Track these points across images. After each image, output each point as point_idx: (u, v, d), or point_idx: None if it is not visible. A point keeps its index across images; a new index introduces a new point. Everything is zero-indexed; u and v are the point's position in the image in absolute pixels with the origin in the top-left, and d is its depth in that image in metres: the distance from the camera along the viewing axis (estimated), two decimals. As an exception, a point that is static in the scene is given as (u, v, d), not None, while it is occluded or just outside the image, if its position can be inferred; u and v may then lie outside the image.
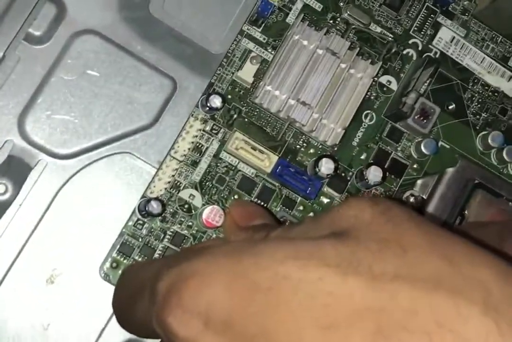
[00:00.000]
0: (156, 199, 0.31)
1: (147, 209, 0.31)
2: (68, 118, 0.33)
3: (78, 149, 0.33)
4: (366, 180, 0.32)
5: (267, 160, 0.32)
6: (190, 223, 0.32)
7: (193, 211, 0.32)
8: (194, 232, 0.32)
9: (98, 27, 0.33)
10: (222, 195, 0.32)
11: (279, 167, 0.32)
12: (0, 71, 0.32)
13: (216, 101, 0.32)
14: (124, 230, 0.32)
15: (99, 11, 0.33)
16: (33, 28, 0.32)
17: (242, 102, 0.33)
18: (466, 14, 0.35)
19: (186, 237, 0.32)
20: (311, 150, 0.33)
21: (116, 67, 0.33)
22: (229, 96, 0.33)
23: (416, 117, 0.33)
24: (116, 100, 0.33)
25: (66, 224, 0.32)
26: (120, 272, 0.31)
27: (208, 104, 0.32)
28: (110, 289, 0.31)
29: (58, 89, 0.32)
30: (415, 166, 0.34)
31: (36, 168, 0.32)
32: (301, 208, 0.33)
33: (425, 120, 0.33)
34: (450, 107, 0.34)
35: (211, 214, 0.32)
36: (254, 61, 0.33)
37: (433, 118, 0.33)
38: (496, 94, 0.35)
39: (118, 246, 0.31)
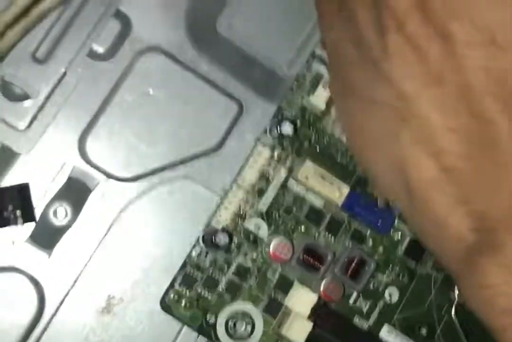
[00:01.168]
0: (223, 230, 0.30)
1: (213, 240, 0.30)
2: (130, 139, 0.31)
3: (140, 173, 0.31)
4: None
5: (338, 191, 0.31)
6: (256, 255, 0.31)
7: (258, 242, 0.31)
8: (259, 264, 0.31)
9: (164, 45, 0.31)
10: (289, 225, 0.31)
11: (350, 199, 0.31)
12: (61, 88, 0.30)
13: (287, 128, 0.30)
14: (187, 260, 0.30)
15: (165, 29, 0.31)
16: (96, 44, 0.31)
17: (312, 129, 0.31)
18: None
19: (251, 270, 0.31)
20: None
21: (181, 88, 0.31)
22: (299, 122, 0.31)
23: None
24: (180, 122, 0.31)
25: (125, 251, 0.31)
26: (182, 304, 0.30)
27: (279, 131, 0.31)
28: (171, 321, 0.30)
29: (121, 109, 0.31)
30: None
31: (96, 192, 0.30)
32: (370, 242, 0.31)
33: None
34: None
35: (279, 247, 0.30)
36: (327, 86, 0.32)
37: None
38: None
39: (181, 278, 0.30)
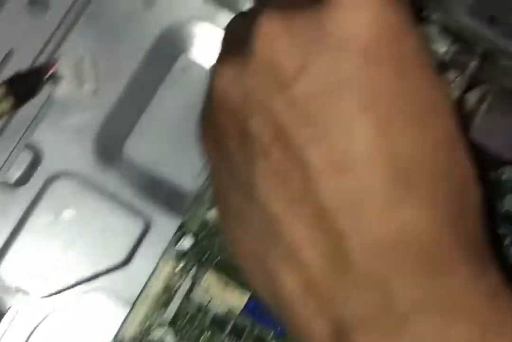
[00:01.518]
0: (131, 339, 0.32)
1: (118, 351, 0.31)
2: (43, 260, 0.33)
3: (53, 290, 0.33)
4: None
5: (239, 298, 0.33)
6: (163, 364, 0.32)
7: (165, 351, 0.32)
8: (166, 372, 0.32)
9: (74, 169, 0.34)
10: (194, 333, 0.33)
11: (250, 305, 0.33)
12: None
13: (189, 241, 0.33)
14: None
15: (75, 154, 0.34)
16: (9, 174, 0.34)
17: (214, 240, 0.34)
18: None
19: (158, 378, 0.32)
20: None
21: (91, 209, 0.34)
22: (201, 235, 0.34)
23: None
24: (91, 240, 0.34)
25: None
26: None
27: (181, 244, 0.33)
28: None
29: (34, 231, 0.33)
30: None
31: (10, 312, 0.33)
32: (272, 345, 0.33)
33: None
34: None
35: (184, 354, 0.32)
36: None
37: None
38: None
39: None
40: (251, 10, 0.27)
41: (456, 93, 0.35)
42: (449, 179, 0.24)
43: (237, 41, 0.26)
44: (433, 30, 0.34)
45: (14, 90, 0.31)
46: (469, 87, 0.35)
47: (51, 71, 0.32)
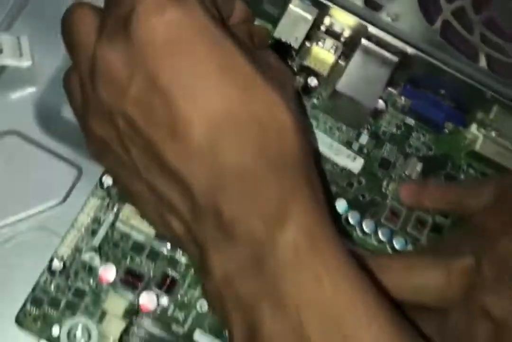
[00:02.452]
0: (62, 260, 0.39)
1: (50, 268, 0.39)
2: (-6, 199, 0.41)
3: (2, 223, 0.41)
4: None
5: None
6: (91, 280, 0.40)
7: (92, 270, 0.40)
8: (93, 287, 0.40)
9: (18, 129, 0.42)
10: (117, 256, 0.40)
11: (161, 232, 0.40)
12: None
13: (109, 181, 0.40)
14: (35, 286, 0.39)
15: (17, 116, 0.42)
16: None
17: (132, 183, 0.41)
18: (314, 108, 0.44)
19: (86, 291, 0.40)
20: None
21: (33, 161, 0.42)
22: (123, 178, 0.41)
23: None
24: (33, 185, 0.42)
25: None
26: (32, 322, 0.39)
27: (104, 185, 0.41)
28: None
29: (-13, 177, 0.41)
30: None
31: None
32: (183, 266, 0.41)
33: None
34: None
35: (104, 271, 0.39)
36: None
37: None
38: (343, 171, 0.43)
39: (30, 299, 0.39)
40: None
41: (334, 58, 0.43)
42: (266, 128, 0.30)
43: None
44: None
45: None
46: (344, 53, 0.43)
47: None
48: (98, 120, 0.32)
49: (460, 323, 0.33)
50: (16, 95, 0.43)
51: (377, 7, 0.38)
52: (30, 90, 0.43)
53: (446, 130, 0.44)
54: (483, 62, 0.39)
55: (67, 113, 0.43)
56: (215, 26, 0.30)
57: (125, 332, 0.39)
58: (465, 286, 0.33)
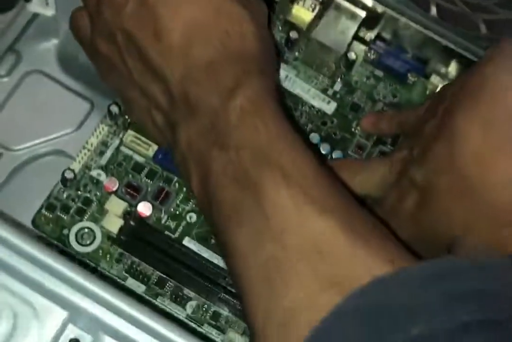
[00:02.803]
0: (73, 172, 0.46)
1: (64, 178, 0.46)
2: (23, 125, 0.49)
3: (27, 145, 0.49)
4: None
5: (151, 149, 0.47)
6: (97, 191, 0.47)
7: (99, 184, 0.47)
8: (98, 197, 0.46)
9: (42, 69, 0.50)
10: (120, 174, 0.47)
11: (158, 154, 0.47)
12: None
13: (115, 109, 0.48)
14: (50, 194, 0.46)
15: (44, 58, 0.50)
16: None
17: (136, 114, 0.49)
18: (296, 60, 0.51)
19: (93, 200, 0.46)
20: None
21: (55, 95, 0.49)
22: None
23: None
24: (54, 115, 0.49)
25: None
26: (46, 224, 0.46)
27: (111, 112, 0.48)
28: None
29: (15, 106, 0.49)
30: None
31: None
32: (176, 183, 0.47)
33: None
34: (285, 120, 0.49)
35: (110, 182, 0.46)
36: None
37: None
38: (319, 112, 0.50)
39: (46, 205, 0.46)
40: None
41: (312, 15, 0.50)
42: (230, 33, 0.38)
43: None
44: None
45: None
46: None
47: (24, -7, 0.48)
48: (102, 39, 0.41)
49: (393, 199, 0.39)
50: (42, 41, 0.51)
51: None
52: (54, 39, 0.51)
53: (410, 81, 0.51)
54: (433, 11, 0.46)
55: (83, 57, 0.50)
56: None
57: (121, 230, 0.45)
58: (401, 170, 0.39)
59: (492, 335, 0.27)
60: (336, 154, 0.49)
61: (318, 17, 0.50)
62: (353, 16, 0.48)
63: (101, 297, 0.37)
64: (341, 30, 0.48)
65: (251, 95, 0.36)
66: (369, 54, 0.51)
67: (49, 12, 0.49)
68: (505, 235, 0.34)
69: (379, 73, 0.51)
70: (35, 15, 0.50)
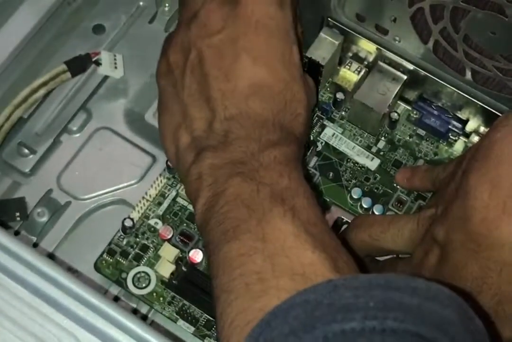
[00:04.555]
0: (132, 220, 0.51)
1: (124, 226, 0.50)
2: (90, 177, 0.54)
3: (92, 195, 0.53)
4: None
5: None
6: (154, 238, 0.51)
7: (156, 232, 0.51)
8: (155, 244, 0.51)
9: (110, 125, 0.55)
10: (176, 223, 0.51)
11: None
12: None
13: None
14: (111, 240, 0.51)
15: (112, 116, 0.55)
16: (72, 124, 0.55)
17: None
18: (342, 119, 0.55)
19: (150, 247, 0.51)
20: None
21: (120, 149, 0.54)
22: (186, 165, 0.53)
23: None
24: (120, 167, 0.54)
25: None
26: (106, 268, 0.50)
27: (169, 166, 0.52)
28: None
29: (84, 160, 0.54)
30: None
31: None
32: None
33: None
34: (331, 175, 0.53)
35: (164, 231, 0.50)
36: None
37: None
38: (362, 168, 0.53)
39: (107, 250, 0.50)
40: None
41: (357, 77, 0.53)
42: (287, 102, 0.43)
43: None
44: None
45: (71, 67, 0.52)
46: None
47: (95, 57, 0.53)
48: (176, 48, 0.45)
49: (419, 254, 0.41)
50: (111, 101, 0.56)
51: (384, 31, 0.49)
52: (122, 99, 0.56)
53: (451, 140, 0.54)
54: (468, 75, 0.48)
55: (148, 117, 0.56)
56: (292, 27, 0.44)
57: (172, 275, 0.49)
58: (428, 228, 0.41)
59: None
60: (377, 208, 0.52)
61: (363, 79, 0.53)
62: (394, 78, 0.52)
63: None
64: (383, 92, 0.52)
65: (285, 152, 0.41)
66: (411, 114, 0.55)
67: (118, 74, 0.55)
68: None
69: (421, 132, 0.55)
70: (106, 77, 0.56)
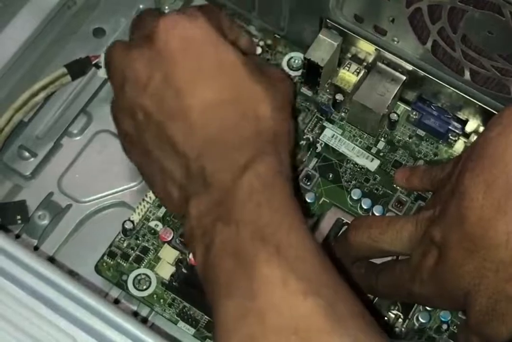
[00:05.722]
0: (132, 223, 0.51)
1: (125, 228, 0.50)
2: (90, 179, 0.54)
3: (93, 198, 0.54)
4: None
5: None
6: (154, 240, 0.51)
7: (156, 234, 0.51)
8: (155, 246, 0.51)
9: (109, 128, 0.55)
10: (175, 223, 0.51)
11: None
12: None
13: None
14: (112, 242, 0.51)
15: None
16: (72, 128, 0.55)
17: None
18: (341, 120, 0.55)
19: (150, 249, 0.51)
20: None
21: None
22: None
23: (304, 180, 0.52)
24: (119, 169, 0.54)
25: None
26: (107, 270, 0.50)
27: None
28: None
29: (85, 162, 0.54)
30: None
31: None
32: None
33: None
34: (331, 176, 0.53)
35: (165, 232, 0.51)
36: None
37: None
38: (362, 169, 0.53)
39: (107, 252, 0.51)
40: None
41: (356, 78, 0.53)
42: (246, 114, 0.40)
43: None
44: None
45: (71, 70, 0.53)
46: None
47: (95, 60, 0.53)
48: (123, 119, 0.43)
49: (417, 256, 0.41)
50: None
51: (382, 32, 0.49)
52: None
53: (451, 140, 0.54)
54: (467, 75, 0.48)
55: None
56: (218, 37, 0.42)
57: (172, 276, 0.50)
58: (426, 229, 0.41)
59: None
60: (377, 209, 0.52)
61: (362, 80, 0.53)
62: (393, 79, 0.52)
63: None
64: (382, 93, 0.52)
65: (261, 173, 0.39)
66: (411, 115, 0.55)
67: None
68: (510, 288, 0.36)
69: (421, 132, 0.55)
70: (106, 80, 0.56)
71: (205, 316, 0.50)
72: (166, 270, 0.49)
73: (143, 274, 0.50)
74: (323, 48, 0.52)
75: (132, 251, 0.51)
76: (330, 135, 0.55)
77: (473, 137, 0.53)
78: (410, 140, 0.55)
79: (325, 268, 0.37)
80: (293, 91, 0.47)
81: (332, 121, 0.55)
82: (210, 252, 0.37)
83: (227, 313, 0.35)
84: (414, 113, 0.55)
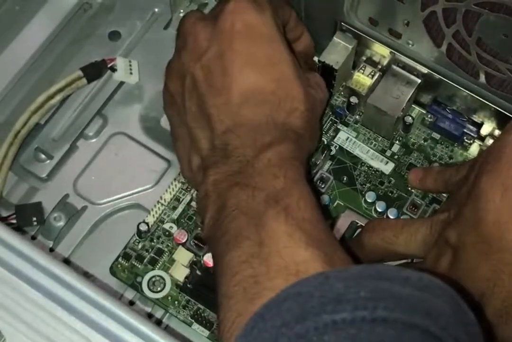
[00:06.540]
0: (147, 225, 0.51)
1: (140, 230, 0.51)
2: (105, 181, 0.54)
3: (108, 200, 0.54)
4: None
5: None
6: (169, 242, 0.51)
7: (170, 236, 0.51)
8: (170, 248, 0.51)
9: (125, 131, 0.55)
10: (190, 227, 0.52)
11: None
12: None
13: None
14: (127, 244, 0.51)
15: (127, 122, 0.56)
16: (88, 130, 0.55)
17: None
18: (356, 123, 0.55)
19: (165, 251, 0.51)
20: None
21: (135, 154, 0.55)
22: (200, 169, 0.53)
23: (318, 183, 0.52)
24: (134, 171, 0.54)
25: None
26: (122, 271, 0.50)
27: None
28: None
29: (100, 164, 0.54)
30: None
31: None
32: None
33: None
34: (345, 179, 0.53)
35: (179, 234, 0.51)
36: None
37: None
38: (377, 172, 0.53)
39: (122, 254, 0.51)
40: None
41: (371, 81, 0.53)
42: (281, 104, 0.44)
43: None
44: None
45: (87, 73, 0.53)
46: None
47: (111, 63, 0.54)
48: (173, 79, 0.47)
49: (432, 258, 0.41)
50: (127, 107, 0.56)
51: (397, 35, 0.49)
52: (138, 104, 0.57)
53: (466, 143, 0.54)
54: (482, 78, 0.48)
55: (163, 122, 0.56)
56: (276, 33, 0.45)
57: (187, 278, 0.50)
58: (441, 232, 0.41)
59: (403, 333, 0.30)
60: (391, 212, 0.52)
61: (377, 83, 0.53)
62: (408, 82, 0.52)
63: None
64: (396, 96, 0.52)
65: (281, 153, 0.41)
66: (426, 118, 0.54)
67: (133, 80, 0.55)
68: None
69: (436, 135, 0.54)
70: (121, 83, 0.56)
71: (219, 318, 0.50)
72: (180, 272, 0.50)
73: (158, 275, 0.51)
74: (338, 51, 0.52)
75: (147, 253, 0.51)
76: (345, 138, 0.55)
77: (489, 141, 0.53)
78: (425, 143, 0.55)
79: (327, 233, 0.39)
80: (326, 99, 0.49)
81: (346, 124, 0.55)
82: (222, 213, 0.40)
83: (233, 260, 0.37)
84: (429, 116, 0.54)
